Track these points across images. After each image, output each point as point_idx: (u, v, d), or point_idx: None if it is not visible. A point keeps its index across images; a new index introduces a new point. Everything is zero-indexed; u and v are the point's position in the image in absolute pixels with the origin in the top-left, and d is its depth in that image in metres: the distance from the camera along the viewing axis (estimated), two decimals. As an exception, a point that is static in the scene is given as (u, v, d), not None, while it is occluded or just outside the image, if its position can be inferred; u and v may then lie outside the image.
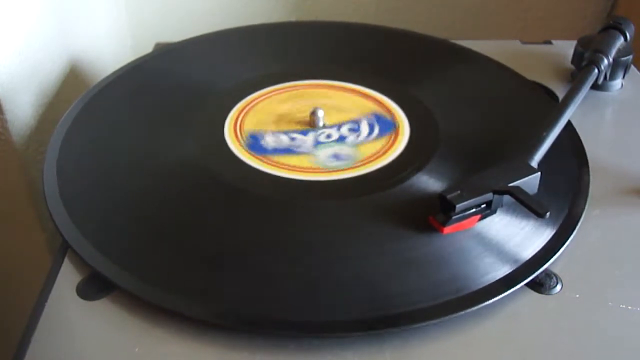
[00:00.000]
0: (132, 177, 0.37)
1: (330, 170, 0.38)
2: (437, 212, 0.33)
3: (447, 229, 0.33)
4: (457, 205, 0.32)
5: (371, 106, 0.44)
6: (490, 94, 0.46)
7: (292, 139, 0.41)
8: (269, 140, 0.40)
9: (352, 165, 0.38)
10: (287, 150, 0.39)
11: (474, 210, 0.33)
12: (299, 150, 0.40)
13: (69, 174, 0.37)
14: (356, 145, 0.40)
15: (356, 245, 0.33)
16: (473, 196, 0.32)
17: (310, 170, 0.38)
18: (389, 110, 0.44)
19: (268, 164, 0.38)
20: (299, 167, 0.38)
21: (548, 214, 0.31)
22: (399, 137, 0.41)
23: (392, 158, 0.39)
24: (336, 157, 0.39)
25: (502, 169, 0.34)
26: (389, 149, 0.40)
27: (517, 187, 0.33)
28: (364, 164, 0.38)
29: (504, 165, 0.35)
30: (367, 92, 0.46)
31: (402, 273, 0.31)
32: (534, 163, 0.35)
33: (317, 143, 0.40)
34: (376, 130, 0.42)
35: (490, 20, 0.74)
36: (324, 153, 0.39)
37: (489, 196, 0.33)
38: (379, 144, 0.40)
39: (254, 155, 0.39)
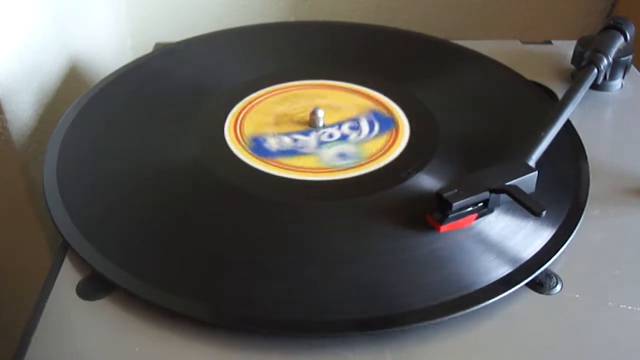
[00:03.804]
0: (131, 177, 0.37)
1: (333, 169, 0.38)
2: (435, 210, 0.33)
3: (444, 228, 0.33)
4: (454, 204, 0.32)
5: (371, 106, 0.44)
6: (490, 94, 0.46)
7: (295, 140, 0.41)
8: (272, 143, 0.40)
9: (359, 163, 0.38)
10: (292, 152, 0.39)
11: (470, 208, 0.33)
12: (303, 150, 0.40)
13: (68, 174, 0.37)
14: (359, 143, 0.40)
15: (356, 244, 0.33)
16: (470, 195, 0.32)
17: (310, 170, 0.38)
18: (389, 110, 0.44)
19: (268, 164, 0.38)
20: (299, 167, 0.38)
21: (544, 212, 0.31)
22: (399, 137, 0.41)
23: (392, 158, 0.39)
24: (342, 156, 0.39)
25: (500, 167, 0.34)
26: (388, 149, 0.40)
27: (514, 186, 0.33)
28: (364, 164, 0.38)
29: (501, 164, 0.35)
30: (367, 92, 0.46)
31: (402, 273, 0.31)
32: (532, 162, 0.35)
33: (321, 143, 0.40)
34: (376, 128, 0.42)
35: (490, 20, 0.74)
36: (328, 152, 0.39)
37: (485, 195, 0.33)
38: (380, 142, 0.40)
39: (258, 158, 0.39)
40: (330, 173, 0.38)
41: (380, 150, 0.40)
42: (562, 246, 0.33)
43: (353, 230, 0.34)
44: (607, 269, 0.32)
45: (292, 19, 0.73)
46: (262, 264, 0.32)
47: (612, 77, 0.47)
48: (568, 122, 0.41)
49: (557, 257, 0.32)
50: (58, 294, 0.31)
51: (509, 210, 0.35)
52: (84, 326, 0.29)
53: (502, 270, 0.31)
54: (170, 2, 0.71)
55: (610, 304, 0.30)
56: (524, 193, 0.33)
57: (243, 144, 0.40)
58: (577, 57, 0.48)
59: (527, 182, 0.34)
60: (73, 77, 0.53)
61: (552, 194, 0.36)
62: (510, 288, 0.30)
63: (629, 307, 0.30)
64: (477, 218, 0.34)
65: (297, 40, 0.53)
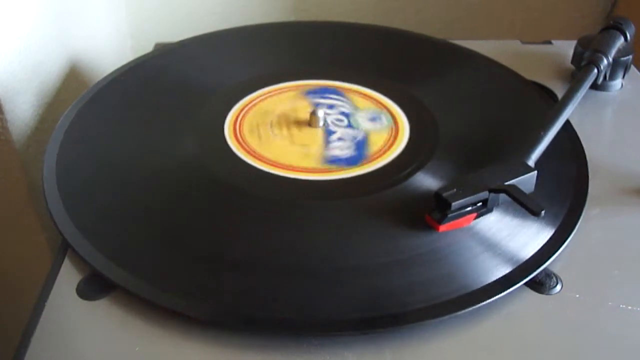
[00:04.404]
0: (131, 177, 0.37)
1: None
2: (434, 210, 0.33)
3: (442, 227, 0.33)
4: (453, 203, 0.32)
5: (370, 106, 0.44)
6: (490, 94, 0.46)
7: None
8: None
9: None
10: None
11: (470, 208, 0.33)
12: None
13: (68, 173, 0.37)
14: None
15: (355, 245, 0.33)
16: (469, 194, 0.32)
17: (310, 170, 0.38)
18: (388, 111, 0.44)
19: (268, 163, 0.38)
20: (299, 167, 0.38)
21: (543, 212, 0.31)
22: (399, 137, 0.41)
23: (392, 158, 0.39)
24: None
25: (499, 167, 0.34)
26: (388, 149, 0.40)
27: (513, 186, 0.33)
28: (364, 164, 0.38)
29: (500, 164, 0.35)
30: (367, 92, 0.46)
31: (402, 273, 0.31)
32: (531, 162, 0.35)
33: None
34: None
35: (490, 20, 0.74)
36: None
37: (484, 194, 0.33)
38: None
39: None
40: (330, 173, 0.38)
41: (380, 150, 0.40)
42: (561, 246, 0.33)
43: (353, 230, 0.34)
44: (607, 269, 0.32)
45: (292, 19, 0.73)
46: (262, 264, 0.32)
47: (612, 77, 0.47)
48: (567, 122, 0.41)
49: (557, 257, 0.32)
50: (58, 294, 0.31)
51: (508, 210, 0.35)
52: (84, 326, 0.29)
53: (501, 269, 0.31)
54: (170, 2, 0.71)
55: (610, 304, 0.30)
56: (523, 193, 0.33)
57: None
58: (577, 57, 0.48)
59: (527, 181, 0.34)
60: (73, 77, 0.53)
61: (551, 193, 0.36)
62: (509, 287, 0.30)
63: (629, 307, 0.30)
64: (476, 218, 0.34)
65: (297, 40, 0.53)
